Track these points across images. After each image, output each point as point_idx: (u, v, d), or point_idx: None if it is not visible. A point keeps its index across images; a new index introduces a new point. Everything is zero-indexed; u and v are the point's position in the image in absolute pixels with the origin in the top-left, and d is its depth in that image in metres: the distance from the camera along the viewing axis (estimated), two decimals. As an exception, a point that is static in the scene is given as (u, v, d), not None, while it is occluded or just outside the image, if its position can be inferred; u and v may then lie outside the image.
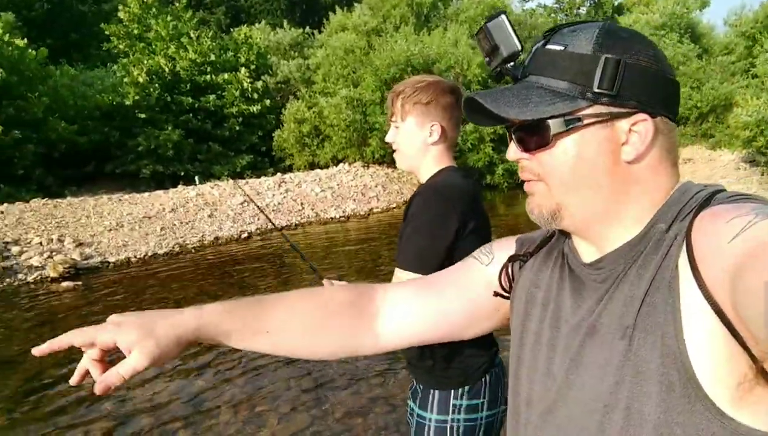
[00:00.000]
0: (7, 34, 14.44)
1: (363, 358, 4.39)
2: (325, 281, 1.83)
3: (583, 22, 0.72)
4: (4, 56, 13.86)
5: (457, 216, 1.45)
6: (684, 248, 0.63)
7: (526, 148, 0.73)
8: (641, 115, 0.67)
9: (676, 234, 0.65)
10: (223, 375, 4.29)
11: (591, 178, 0.70)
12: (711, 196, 0.66)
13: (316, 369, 4.29)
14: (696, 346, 0.60)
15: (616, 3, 31.66)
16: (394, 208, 13.02)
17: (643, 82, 0.68)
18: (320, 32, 21.40)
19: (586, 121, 0.68)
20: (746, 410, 0.59)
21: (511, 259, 0.93)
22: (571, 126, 0.68)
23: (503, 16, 0.75)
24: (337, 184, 14.41)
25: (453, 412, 1.53)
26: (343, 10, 20.64)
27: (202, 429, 3.52)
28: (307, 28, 23.57)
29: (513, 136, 0.75)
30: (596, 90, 0.67)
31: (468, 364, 1.54)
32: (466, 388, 1.53)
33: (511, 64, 0.75)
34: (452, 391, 1.53)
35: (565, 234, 0.83)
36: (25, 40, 15.29)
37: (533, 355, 0.82)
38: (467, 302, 0.96)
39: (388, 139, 1.67)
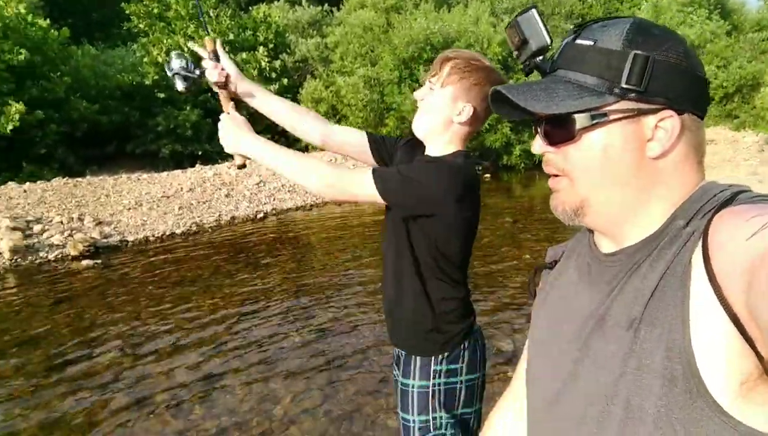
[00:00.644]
0: (30, 15, 14.58)
1: (374, 341, 4.44)
2: (206, 39, 1.71)
3: (614, 18, 0.72)
4: (28, 37, 14.02)
5: (460, 187, 1.43)
6: (700, 243, 0.62)
7: (552, 141, 0.74)
8: (668, 112, 0.68)
9: (693, 230, 0.65)
10: (239, 354, 4.37)
11: (616, 174, 0.70)
12: (734, 196, 0.65)
13: (330, 350, 4.35)
14: (702, 341, 0.60)
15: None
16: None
17: (672, 79, 0.68)
18: (339, 10, 21.18)
19: (612, 117, 0.68)
20: (748, 409, 0.58)
21: (536, 269, 0.96)
22: (596, 121, 0.69)
23: (534, 11, 0.76)
24: (353, 165, 14.33)
25: (434, 377, 1.59)
26: (362, -13, 20.37)
27: (217, 405, 3.60)
28: (326, 5, 23.37)
29: (539, 130, 0.76)
30: (624, 86, 0.67)
31: (447, 331, 1.59)
32: (446, 354, 1.59)
33: (540, 58, 0.76)
34: (432, 357, 1.59)
35: (589, 231, 0.83)
36: (48, 20, 15.43)
37: (545, 348, 0.84)
38: None
39: (416, 95, 1.60)
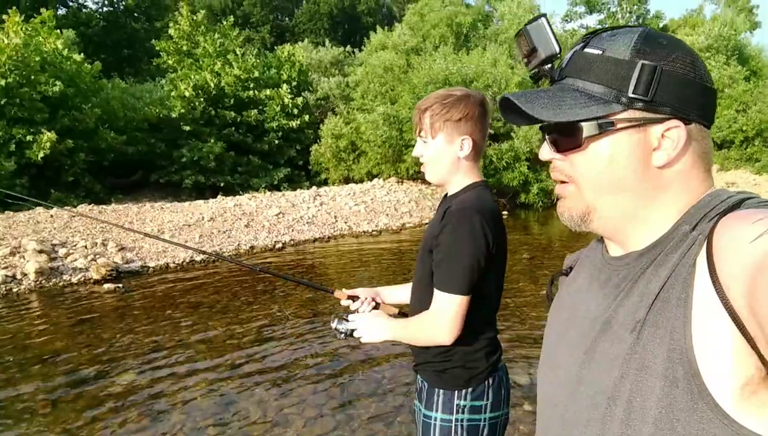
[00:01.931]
0: (66, 49, 15.29)
1: (389, 368, 4.44)
2: (336, 293, 1.94)
3: (624, 27, 0.73)
4: (64, 70, 14.69)
5: (490, 236, 1.49)
6: (704, 246, 0.63)
7: (559, 149, 0.75)
8: (674, 122, 0.68)
9: (699, 234, 0.65)
10: (254, 378, 4.40)
11: (621, 182, 0.71)
12: (741, 202, 0.65)
13: (343, 376, 4.36)
14: (704, 343, 0.59)
15: (660, 24, 31.17)
16: (426, 223, 13.02)
17: (679, 89, 0.68)
18: (360, 51, 21.80)
19: (619, 126, 0.69)
20: (749, 413, 0.57)
21: (554, 276, 0.97)
22: (603, 130, 0.69)
23: (543, 20, 0.77)
24: (371, 199, 14.56)
25: (457, 412, 1.58)
26: (383, 30, 21.00)
27: (231, 427, 3.62)
28: (348, 46, 24.09)
29: (547, 137, 0.77)
30: (631, 95, 0.68)
31: (472, 366, 1.58)
32: (470, 389, 1.58)
33: (549, 66, 0.77)
34: (456, 391, 1.58)
35: (601, 239, 0.85)
36: (82, 54, 16.15)
37: (553, 353, 0.85)
38: None
39: (415, 153, 1.67)
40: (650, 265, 0.69)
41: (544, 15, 0.77)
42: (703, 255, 0.62)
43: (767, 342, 0.54)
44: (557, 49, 0.76)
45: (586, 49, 0.72)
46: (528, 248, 9.44)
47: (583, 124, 0.70)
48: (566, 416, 0.76)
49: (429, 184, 1.89)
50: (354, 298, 1.88)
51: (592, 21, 30.18)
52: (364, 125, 16.03)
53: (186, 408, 3.92)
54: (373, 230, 12.29)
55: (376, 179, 16.78)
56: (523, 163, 14.66)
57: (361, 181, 17.14)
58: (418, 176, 15.87)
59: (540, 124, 0.77)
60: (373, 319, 1.70)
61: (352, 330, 1.79)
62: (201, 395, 4.12)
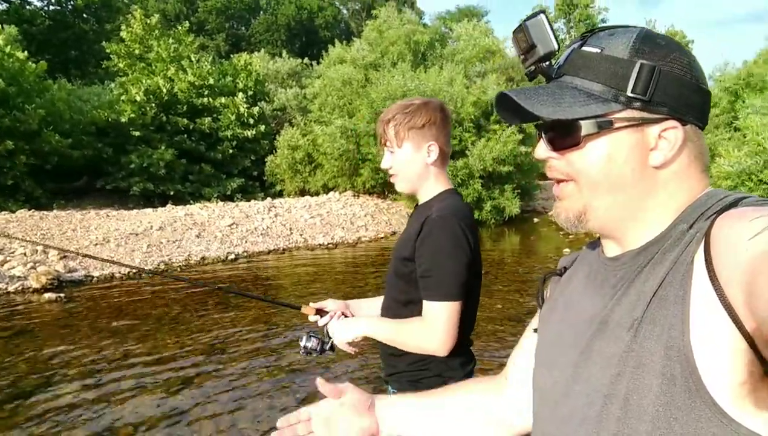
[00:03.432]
0: (9, 46, 14.57)
1: (345, 379, 4.38)
2: (303, 308, 1.88)
3: (622, 27, 0.73)
4: (4, 67, 13.98)
5: (472, 241, 1.52)
6: (702, 244, 0.62)
7: (556, 147, 0.74)
8: (671, 123, 0.68)
9: (696, 232, 0.65)
10: (206, 391, 4.26)
11: (618, 181, 0.71)
12: (738, 201, 0.65)
13: (301, 390, 4.28)
14: (702, 341, 0.59)
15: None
16: (382, 238, 13.07)
17: (676, 90, 0.68)
18: (318, 63, 21.81)
19: (617, 125, 0.69)
20: (747, 411, 0.57)
21: (545, 276, 0.96)
22: (602, 128, 0.69)
23: (542, 16, 0.75)
24: (327, 212, 14.48)
25: None
26: (342, 44, 21.10)
27: (182, 443, 3.49)
28: (306, 59, 24.07)
29: (543, 135, 0.76)
30: (629, 94, 0.67)
31: (449, 376, 1.58)
32: None
33: (546, 63, 0.75)
34: None
35: (598, 240, 0.84)
36: (26, 53, 15.43)
37: (550, 354, 0.84)
38: None
39: (383, 165, 1.68)
40: (647, 264, 0.69)
41: (543, 11, 0.75)
42: (701, 253, 0.62)
43: (765, 340, 0.53)
44: (556, 46, 0.74)
45: (585, 48, 0.71)
46: (482, 263, 9.60)
47: (581, 122, 0.69)
48: (562, 415, 0.76)
49: (385, 198, 1.87)
50: (322, 312, 1.83)
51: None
52: (321, 137, 15.97)
53: (134, 423, 3.74)
54: (328, 243, 12.21)
55: (332, 192, 16.71)
56: (477, 180, 14.92)
57: (317, 193, 17.03)
58: (374, 190, 15.93)
59: (536, 123, 0.76)
60: (344, 319, 1.71)
61: (323, 343, 1.76)
62: (150, 410, 3.94)
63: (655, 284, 0.66)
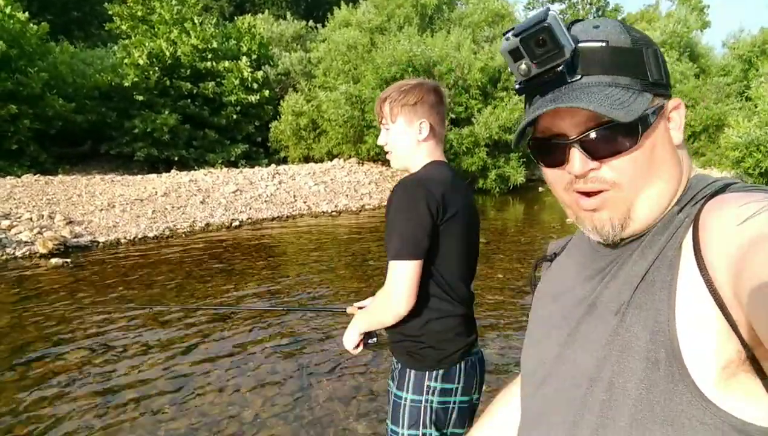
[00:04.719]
0: (9, 7, 14.35)
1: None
2: (348, 309, 1.94)
3: (587, 19, 0.72)
4: (5, 29, 13.78)
5: (433, 202, 1.52)
6: (690, 229, 0.63)
7: (602, 155, 0.67)
8: (676, 100, 0.70)
9: (685, 216, 0.66)
10: (210, 357, 4.35)
11: (663, 169, 0.68)
12: (726, 186, 0.66)
13: (302, 357, 4.36)
14: (686, 325, 0.60)
15: (619, 18, 31.96)
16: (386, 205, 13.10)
17: (666, 69, 0.70)
18: (323, 26, 21.41)
19: (657, 114, 0.68)
20: (727, 396, 0.58)
21: (537, 262, 0.97)
22: (653, 121, 0.67)
23: (553, 12, 0.66)
24: (331, 179, 14.47)
25: (427, 393, 1.60)
26: (348, 6, 20.66)
27: (187, 406, 3.58)
28: (311, 21, 23.61)
29: (577, 148, 0.68)
30: (652, 80, 0.67)
31: (443, 347, 1.61)
32: (441, 371, 1.61)
33: (557, 66, 0.66)
34: (427, 372, 1.61)
35: None
36: (26, 14, 15.20)
37: (538, 336, 0.85)
38: None
39: (380, 142, 1.77)
40: (638, 248, 0.69)
41: (548, 8, 0.67)
42: (689, 238, 0.62)
43: (749, 326, 0.54)
44: (573, 45, 0.66)
45: (585, 44, 0.66)
46: (484, 232, 9.61)
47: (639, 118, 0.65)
48: (548, 395, 0.77)
49: (389, 165, 1.94)
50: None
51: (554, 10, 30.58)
52: (326, 104, 15.80)
53: (139, 387, 3.84)
54: (332, 211, 12.24)
55: (336, 159, 16.65)
56: (482, 148, 14.82)
57: (322, 160, 16.97)
58: (378, 158, 15.85)
59: (563, 138, 0.69)
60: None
61: (369, 336, 1.81)
62: (155, 374, 4.04)
63: (644, 269, 0.66)
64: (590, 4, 31.30)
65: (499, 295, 5.93)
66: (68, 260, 7.26)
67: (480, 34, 19.17)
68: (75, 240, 8.20)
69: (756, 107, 13.69)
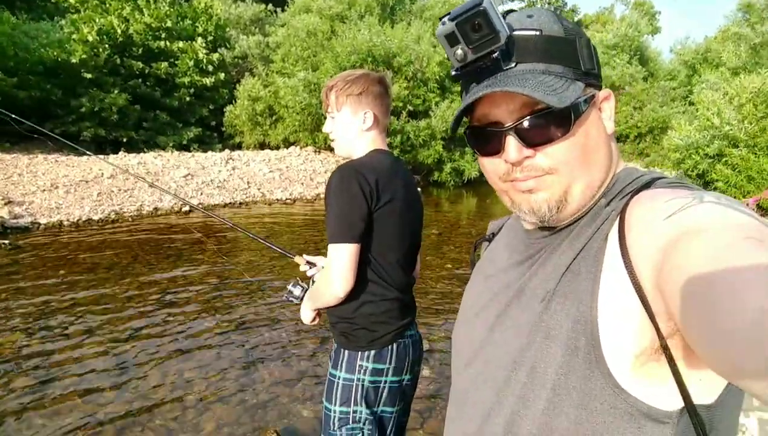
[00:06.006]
0: (-56, -28, 13.46)
1: (294, 335, 4.50)
2: (296, 258, 2.00)
3: (524, 9, 0.72)
4: (-61, -5, 12.92)
5: (366, 187, 1.56)
6: (617, 222, 0.65)
7: (536, 142, 0.68)
8: (606, 91, 0.72)
9: (612, 209, 0.67)
10: (154, 341, 4.29)
11: (596, 157, 0.70)
12: (653, 181, 0.68)
13: (248, 342, 4.36)
14: (608, 314, 0.62)
15: (576, 19, 32.81)
16: (342, 195, 13.09)
17: (598, 59, 0.72)
18: (283, 11, 21.07)
19: (589, 101, 0.69)
20: (638, 382, 0.60)
21: (477, 243, 0.99)
22: (585, 109, 0.68)
23: None
24: (287, 167, 14.34)
25: (359, 372, 1.66)
26: (308, -8, 20.37)
27: (129, 389, 3.53)
28: (270, 5, 23.17)
29: (512, 136, 0.68)
30: (584, 70, 0.68)
31: (375, 329, 1.67)
32: (372, 352, 1.67)
33: (493, 52, 0.65)
34: (359, 352, 1.67)
35: None
36: (-36, -19, 14.30)
37: (467, 315, 0.87)
38: None
39: (325, 129, 1.80)
40: (567, 237, 0.72)
41: None
42: (615, 231, 0.64)
43: (668, 317, 0.56)
44: (509, 31, 0.65)
45: (519, 32, 0.67)
46: (437, 224, 9.79)
47: (572, 106, 0.66)
48: (473, 374, 0.79)
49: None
50: (312, 264, 1.96)
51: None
52: (284, 90, 15.61)
53: (80, 372, 3.76)
54: (287, 199, 12.15)
55: (293, 147, 16.50)
56: (439, 142, 15.01)
57: (278, 147, 16.78)
58: (335, 147, 15.77)
59: (499, 126, 0.70)
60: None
61: (306, 291, 1.88)
62: (96, 359, 3.96)
63: (570, 259, 0.68)
64: (548, 3, 32.02)
65: (446, 284, 6.07)
66: (6, 242, 6.95)
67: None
68: (14, 221, 7.86)
69: (697, 111, 14.40)
